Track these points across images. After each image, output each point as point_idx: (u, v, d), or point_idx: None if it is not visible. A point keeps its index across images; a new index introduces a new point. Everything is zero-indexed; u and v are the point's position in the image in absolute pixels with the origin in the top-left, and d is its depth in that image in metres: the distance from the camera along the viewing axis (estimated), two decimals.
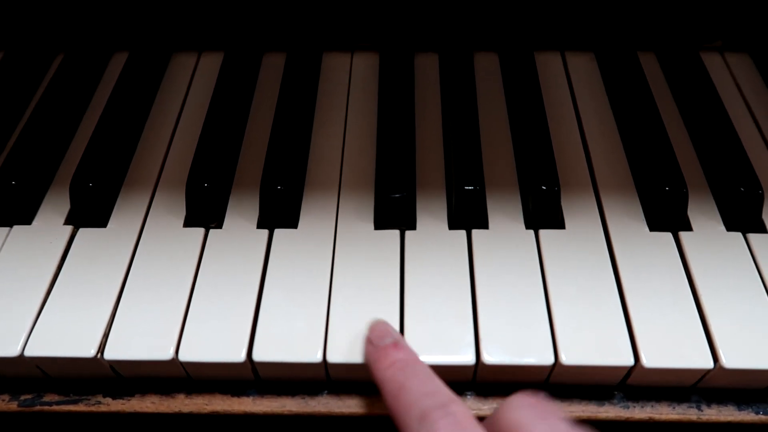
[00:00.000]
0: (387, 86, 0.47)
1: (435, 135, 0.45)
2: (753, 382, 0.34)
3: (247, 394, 0.35)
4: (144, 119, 0.46)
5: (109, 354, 0.33)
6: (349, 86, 0.49)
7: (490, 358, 0.32)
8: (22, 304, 0.35)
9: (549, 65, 0.50)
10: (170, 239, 0.38)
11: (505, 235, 0.38)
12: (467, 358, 0.32)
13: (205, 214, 0.39)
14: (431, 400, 0.27)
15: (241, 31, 0.50)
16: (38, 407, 0.35)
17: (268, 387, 0.35)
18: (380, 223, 0.39)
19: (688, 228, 0.39)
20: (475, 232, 0.38)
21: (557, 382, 0.34)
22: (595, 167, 0.42)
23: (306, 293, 0.35)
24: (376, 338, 0.31)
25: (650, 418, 0.34)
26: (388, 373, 0.29)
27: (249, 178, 0.42)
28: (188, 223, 0.39)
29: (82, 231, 0.38)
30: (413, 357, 0.30)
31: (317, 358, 0.32)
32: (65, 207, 0.40)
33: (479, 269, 0.36)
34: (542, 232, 0.38)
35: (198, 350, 0.33)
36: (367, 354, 0.32)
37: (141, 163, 0.43)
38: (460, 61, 0.49)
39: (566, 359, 0.32)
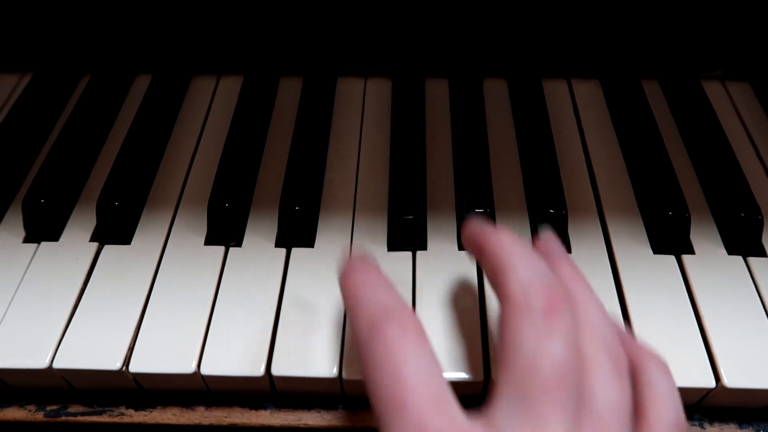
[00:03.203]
0: (399, 110, 0.49)
1: (445, 158, 0.46)
2: (754, 401, 0.35)
3: (265, 408, 0.36)
4: (166, 140, 0.48)
5: (134, 367, 0.34)
6: (363, 110, 0.51)
7: None
8: (49, 318, 0.36)
9: (556, 92, 0.52)
10: (192, 257, 0.39)
11: None
12: (477, 375, 0.34)
13: (225, 232, 0.41)
14: (380, 308, 0.27)
15: (259, 55, 0.52)
16: (63, 418, 0.36)
17: (284, 400, 0.36)
18: (393, 244, 0.40)
19: (691, 251, 0.40)
20: None
21: None
22: (601, 191, 0.44)
23: (322, 310, 0.36)
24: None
25: None
26: (348, 283, 0.29)
27: (267, 198, 0.43)
28: (209, 241, 0.41)
29: (107, 248, 0.40)
30: (372, 267, 0.30)
31: (333, 373, 0.34)
32: (91, 224, 0.42)
33: (489, 289, 0.37)
34: None
35: (219, 364, 0.34)
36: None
37: (163, 182, 0.45)
38: (469, 87, 0.50)
39: None
